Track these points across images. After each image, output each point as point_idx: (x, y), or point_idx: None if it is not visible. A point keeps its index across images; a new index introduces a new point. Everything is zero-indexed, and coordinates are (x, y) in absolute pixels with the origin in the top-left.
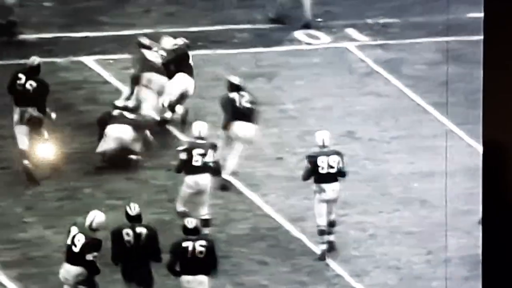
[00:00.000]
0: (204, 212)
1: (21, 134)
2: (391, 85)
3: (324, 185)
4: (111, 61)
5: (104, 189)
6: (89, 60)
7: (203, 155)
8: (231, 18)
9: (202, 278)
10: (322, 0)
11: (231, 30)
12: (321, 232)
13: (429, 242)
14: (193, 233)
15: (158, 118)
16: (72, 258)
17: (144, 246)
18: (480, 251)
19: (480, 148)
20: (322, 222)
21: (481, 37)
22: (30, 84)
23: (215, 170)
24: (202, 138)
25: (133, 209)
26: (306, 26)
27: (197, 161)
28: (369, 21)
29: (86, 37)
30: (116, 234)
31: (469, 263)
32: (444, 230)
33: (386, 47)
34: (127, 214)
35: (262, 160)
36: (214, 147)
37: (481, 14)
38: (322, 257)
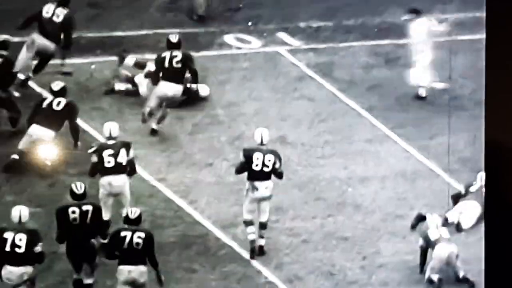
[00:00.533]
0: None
1: None
2: (324, 89)
3: (256, 183)
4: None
5: (26, 196)
6: None
7: (115, 155)
8: (157, 22)
9: (143, 268)
10: (252, 4)
11: (157, 34)
12: (248, 223)
13: (364, 247)
14: (134, 223)
15: None
16: (17, 259)
17: (90, 223)
18: (411, 257)
19: (414, 152)
20: (249, 217)
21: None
22: None
23: (130, 170)
24: (113, 138)
25: (80, 188)
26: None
27: (109, 162)
28: (301, 24)
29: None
30: (61, 213)
31: (404, 268)
32: (378, 235)
33: (318, 51)
34: (72, 192)
35: (191, 166)
36: (126, 146)
37: (416, 17)
38: (252, 254)
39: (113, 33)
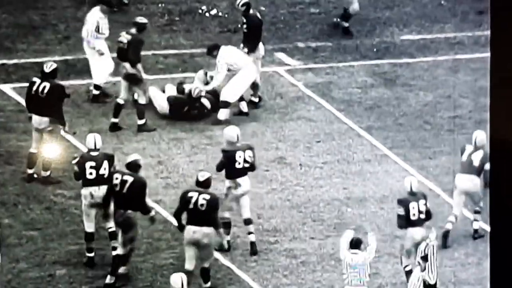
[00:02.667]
0: (111, 224)
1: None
2: (322, 109)
3: (239, 180)
4: None
5: (22, 219)
6: (6, 88)
7: (97, 167)
8: (155, 43)
9: (206, 229)
10: None
11: (156, 56)
12: (226, 225)
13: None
14: (202, 186)
15: None
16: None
17: (128, 192)
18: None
19: (413, 172)
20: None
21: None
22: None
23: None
24: (96, 150)
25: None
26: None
27: (90, 173)
28: (300, 44)
29: (3, 64)
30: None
31: None
32: (377, 256)
33: (316, 71)
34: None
35: (189, 187)
36: (110, 158)
37: (415, 37)
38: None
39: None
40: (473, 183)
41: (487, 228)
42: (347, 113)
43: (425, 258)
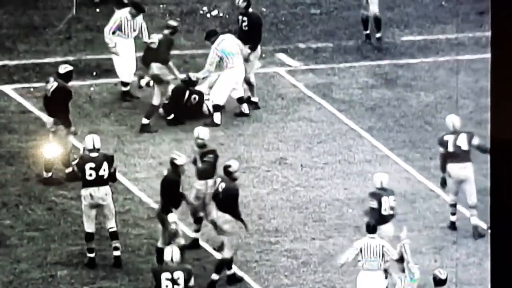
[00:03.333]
0: (111, 225)
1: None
2: (323, 110)
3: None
4: (31, 89)
5: (24, 220)
6: (7, 89)
7: (96, 168)
8: None
9: (228, 217)
10: None
11: None
12: (197, 220)
13: None
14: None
15: None
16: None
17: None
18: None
19: (414, 173)
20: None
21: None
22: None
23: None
24: (96, 150)
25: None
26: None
27: (90, 175)
28: (301, 45)
29: (4, 65)
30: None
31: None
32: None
33: (317, 72)
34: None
35: (190, 188)
36: (109, 159)
37: (416, 38)
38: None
39: (111, 56)
40: (467, 170)
41: (486, 227)
42: (348, 113)
43: (400, 259)
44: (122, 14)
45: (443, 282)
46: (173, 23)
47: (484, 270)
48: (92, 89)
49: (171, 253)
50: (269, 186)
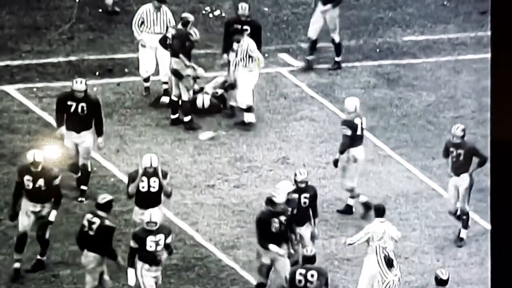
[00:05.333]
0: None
1: None
2: (326, 110)
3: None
4: (34, 89)
5: None
6: (10, 89)
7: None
8: None
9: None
10: None
11: None
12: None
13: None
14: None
15: None
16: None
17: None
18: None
19: (416, 172)
20: None
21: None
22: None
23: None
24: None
25: None
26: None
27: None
28: (303, 45)
29: (7, 65)
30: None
31: None
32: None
33: (319, 72)
34: None
35: (192, 188)
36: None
37: (417, 37)
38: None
39: (114, 56)
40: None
41: (488, 227)
42: None
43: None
44: (145, 8)
45: (445, 282)
46: (185, 14)
47: (485, 270)
48: (94, 89)
49: (150, 215)
50: (272, 185)
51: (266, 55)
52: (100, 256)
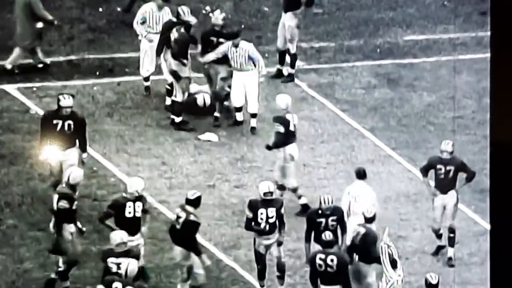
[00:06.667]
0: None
1: None
2: (326, 110)
3: None
4: (34, 89)
5: (26, 220)
6: (10, 89)
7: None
8: None
9: None
10: (254, 25)
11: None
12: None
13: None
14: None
15: None
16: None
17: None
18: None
19: (416, 172)
20: None
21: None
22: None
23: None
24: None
25: None
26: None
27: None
28: (303, 45)
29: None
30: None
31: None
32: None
33: (320, 72)
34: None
35: (193, 187)
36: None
37: (418, 37)
38: None
39: (113, 55)
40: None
41: (488, 227)
42: (351, 113)
43: (393, 263)
44: (148, 7)
45: (435, 286)
46: (185, 18)
47: (485, 270)
48: (95, 88)
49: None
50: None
51: (266, 55)
52: (186, 251)
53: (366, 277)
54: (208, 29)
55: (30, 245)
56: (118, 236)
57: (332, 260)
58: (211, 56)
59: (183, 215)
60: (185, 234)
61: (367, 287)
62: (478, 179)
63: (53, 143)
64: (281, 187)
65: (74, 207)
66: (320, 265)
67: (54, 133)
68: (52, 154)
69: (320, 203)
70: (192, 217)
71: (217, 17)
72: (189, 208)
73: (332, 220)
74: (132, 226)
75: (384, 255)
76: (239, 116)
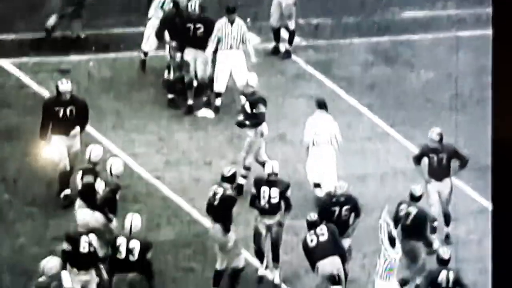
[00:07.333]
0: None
1: None
2: (323, 87)
3: None
4: (29, 64)
5: (22, 195)
6: (6, 63)
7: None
8: None
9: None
10: (251, 1)
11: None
12: None
13: (364, 245)
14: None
15: None
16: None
17: None
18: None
19: (414, 150)
20: None
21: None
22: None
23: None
24: (275, 174)
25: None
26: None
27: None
28: (301, 21)
29: (1, 40)
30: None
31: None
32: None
33: (317, 48)
34: None
35: (189, 164)
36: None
37: (417, 13)
38: None
39: (109, 31)
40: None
41: (486, 204)
42: (348, 90)
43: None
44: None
45: (446, 262)
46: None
47: (483, 248)
48: (91, 64)
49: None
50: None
51: (263, 31)
52: (224, 227)
53: (421, 255)
54: (185, 17)
55: (25, 220)
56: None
57: (321, 229)
58: (210, 48)
59: (220, 191)
60: (223, 209)
61: (422, 265)
62: (477, 157)
63: (56, 131)
64: (247, 168)
65: (97, 184)
66: (311, 240)
67: (57, 120)
68: (56, 142)
69: (334, 190)
70: (228, 192)
71: (194, 5)
72: (225, 184)
73: (346, 210)
74: None
75: (383, 233)
76: (218, 102)
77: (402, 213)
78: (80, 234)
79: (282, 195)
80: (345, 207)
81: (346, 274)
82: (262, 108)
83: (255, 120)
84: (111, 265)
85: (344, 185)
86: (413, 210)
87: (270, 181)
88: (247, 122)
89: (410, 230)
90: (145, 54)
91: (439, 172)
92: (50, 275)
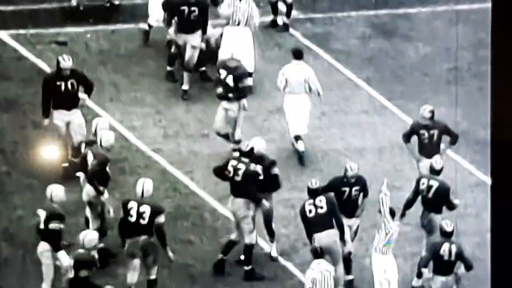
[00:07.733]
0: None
1: None
2: (321, 60)
3: None
4: (28, 36)
5: (20, 166)
6: (3, 35)
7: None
8: None
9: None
10: None
11: None
12: None
13: (362, 219)
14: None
15: None
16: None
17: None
18: (409, 228)
19: (411, 123)
20: None
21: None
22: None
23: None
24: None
25: None
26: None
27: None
28: None
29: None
30: None
31: (402, 240)
32: (376, 207)
33: (315, 21)
34: None
35: (187, 137)
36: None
37: None
38: None
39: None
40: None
41: (483, 178)
42: (346, 64)
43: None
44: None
45: (449, 234)
46: None
47: (481, 221)
48: (88, 36)
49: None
50: (266, 135)
51: (261, 4)
52: (248, 201)
53: (437, 228)
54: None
55: (23, 192)
56: None
57: (320, 201)
58: (216, 31)
59: (242, 166)
60: (246, 184)
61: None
62: (474, 131)
63: (58, 104)
64: (238, 142)
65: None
66: (310, 211)
67: (58, 94)
68: (56, 116)
69: (346, 170)
70: (252, 167)
71: None
72: (244, 159)
73: (356, 190)
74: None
75: (384, 206)
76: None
77: (423, 187)
78: None
79: (267, 171)
80: (355, 188)
81: (348, 253)
82: (249, 81)
83: (238, 93)
84: (122, 228)
85: (355, 166)
86: (435, 184)
87: (257, 158)
88: (230, 95)
89: (432, 203)
90: (150, 26)
91: (430, 149)
92: (89, 247)
